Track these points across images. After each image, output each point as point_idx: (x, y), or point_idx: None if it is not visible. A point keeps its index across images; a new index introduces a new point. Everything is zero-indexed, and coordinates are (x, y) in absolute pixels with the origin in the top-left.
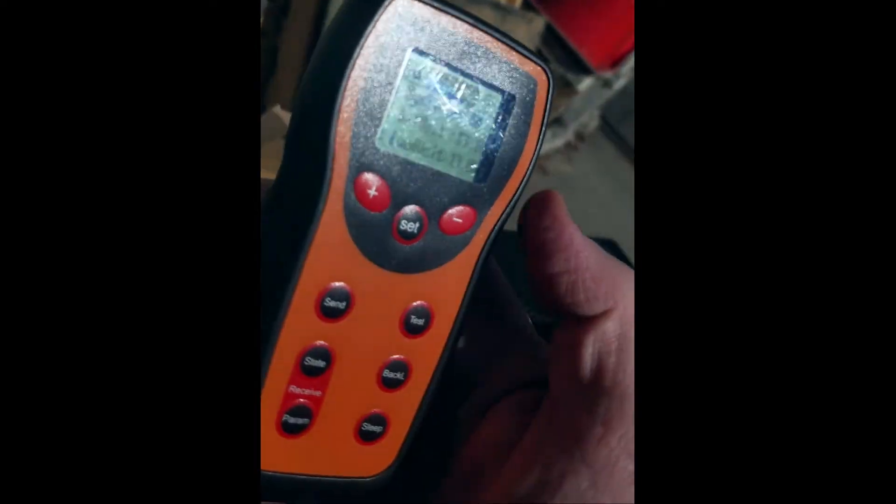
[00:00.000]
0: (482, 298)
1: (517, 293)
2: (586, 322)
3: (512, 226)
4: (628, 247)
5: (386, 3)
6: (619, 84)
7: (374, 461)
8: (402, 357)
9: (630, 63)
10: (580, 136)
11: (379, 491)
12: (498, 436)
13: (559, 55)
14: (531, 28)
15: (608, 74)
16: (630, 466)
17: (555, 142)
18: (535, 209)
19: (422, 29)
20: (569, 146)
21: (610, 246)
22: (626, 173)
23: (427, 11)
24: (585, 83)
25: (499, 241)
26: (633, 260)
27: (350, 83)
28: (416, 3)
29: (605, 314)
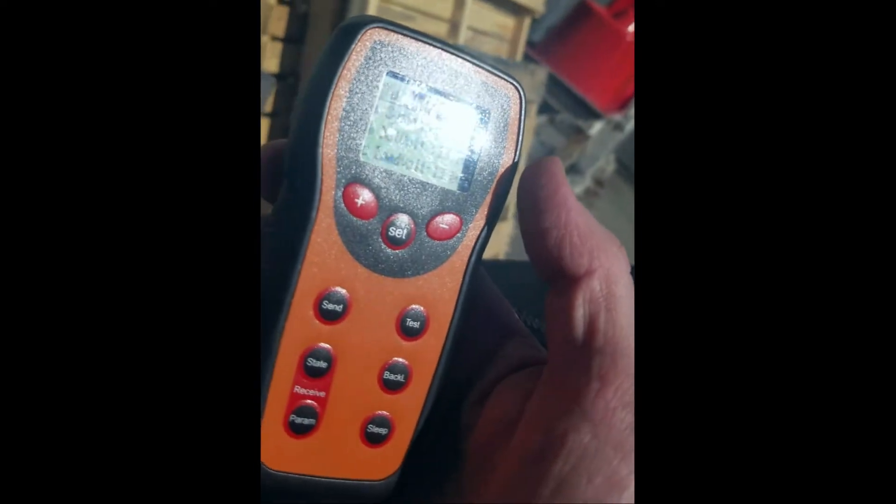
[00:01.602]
0: (475, 302)
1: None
2: (574, 284)
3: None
4: None
5: (360, 33)
6: (630, 126)
7: (382, 464)
8: (401, 359)
9: None
10: (598, 182)
11: (387, 494)
12: (502, 413)
13: (567, 103)
14: (534, 79)
15: (617, 117)
16: (628, 417)
17: (574, 189)
18: (535, 168)
19: (396, 55)
20: (588, 192)
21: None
22: None
23: (400, 39)
24: (596, 128)
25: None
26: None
27: (332, 104)
28: (389, 32)
29: (589, 274)
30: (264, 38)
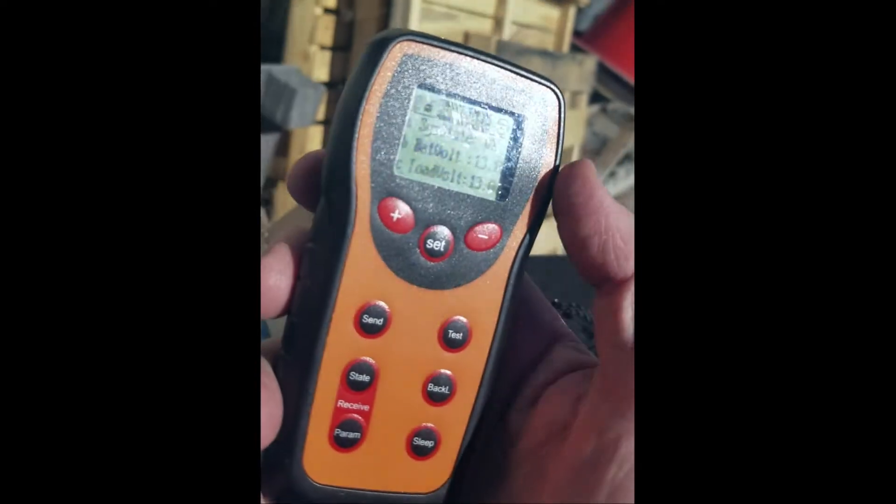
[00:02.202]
0: (520, 308)
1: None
2: (621, 285)
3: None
4: None
5: (389, 47)
6: None
7: (429, 477)
8: (445, 371)
9: None
10: None
11: None
12: (552, 418)
13: (618, 91)
14: (583, 69)
15: None
16: None
17: (629, 179)
18: (566, 175)
19: (426, 66)
20: None
21: None
22: None
23: (430, 51)
24: None
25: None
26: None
27: (364, 120)
28: (418, 44)
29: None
30: (313, 48)
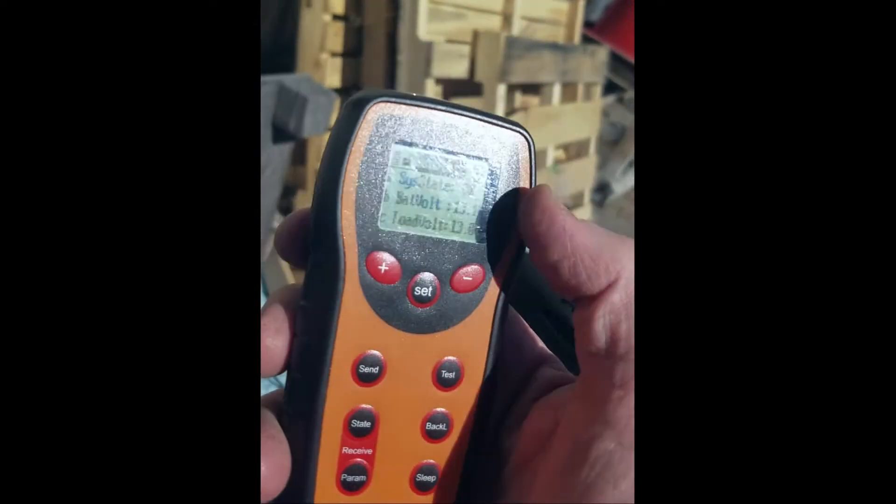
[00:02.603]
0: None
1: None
2: (595, 299)
3: None
4: None
5: (365, 109)
6: None
7: None
8: (441, 409)
9: None
10: None
11: None
12: (538, 431)
13: (631, 79)
14: (595, 60)
15: None
16: None
17: None
18: (526, 205)
19: (402, 124)
20: None
21: None
22: None
23: (405, 109)
24: None
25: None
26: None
27: (346, 180)
28: (392, 104)
29: (609, 287)
30: (323, 55)
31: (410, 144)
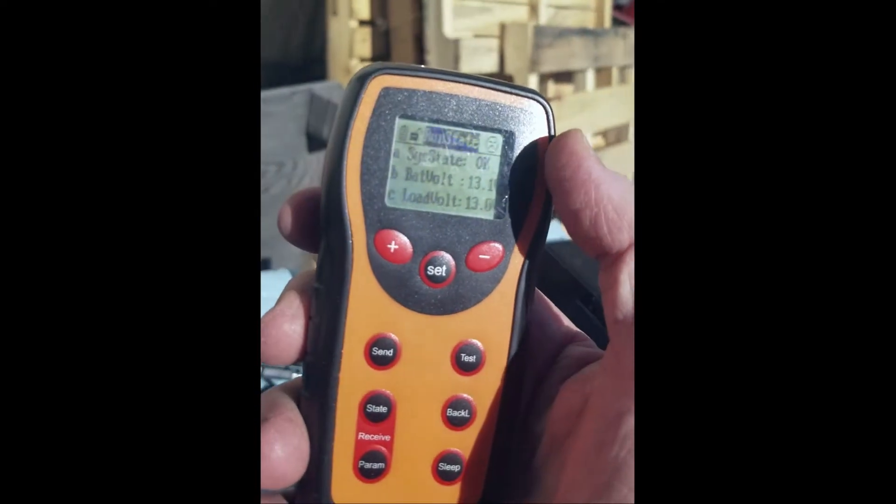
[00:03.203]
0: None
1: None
2: (618, 259)
3: None
4: None
5: (366, 83)
6: None
7: (460, 500)
8: (462, 395)
9: None
10: None
11: None
12: (568, 410)
13: None
14: (627, 43)
15: None
16: None
17: None
18: (554, 148)
19: (406, 96)
20: None
21: None
22: None
23: (408, 80)
24: None
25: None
26: None
27: (349, 158)
28: (395, 76)
29: (632, 246)
30: (353, 62)
31: (417, 118)
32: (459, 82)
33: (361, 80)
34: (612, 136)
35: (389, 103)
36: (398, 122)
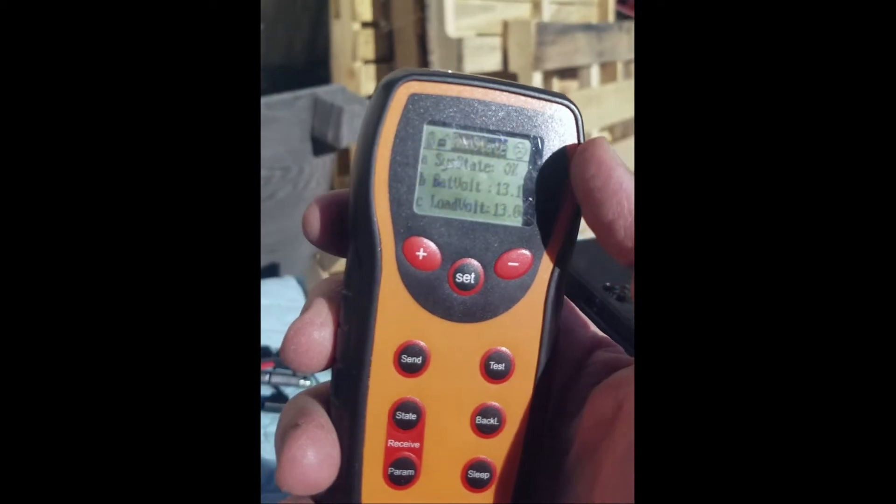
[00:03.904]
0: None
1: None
2: None
3: None
4: None
5: (394, 90)
6: None
7: None
8: (492, 403)
9: None
10: None
11: None
12: (600, 417)
13: None
14: (632, 36)
15: None
16: None
17: None
18: (580, 159)
19: (434, 102)
20: None
21: None
22: None
23: (435, 87)
24: None
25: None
26: None
27: (378, 164)
28: (423, 82)
29: None
30: (357, 64)
31: (444, 124)
32: (487, 88)
33: (389, 87)
34: (619, 132)
35: (417, 110)
36: (426, 128)
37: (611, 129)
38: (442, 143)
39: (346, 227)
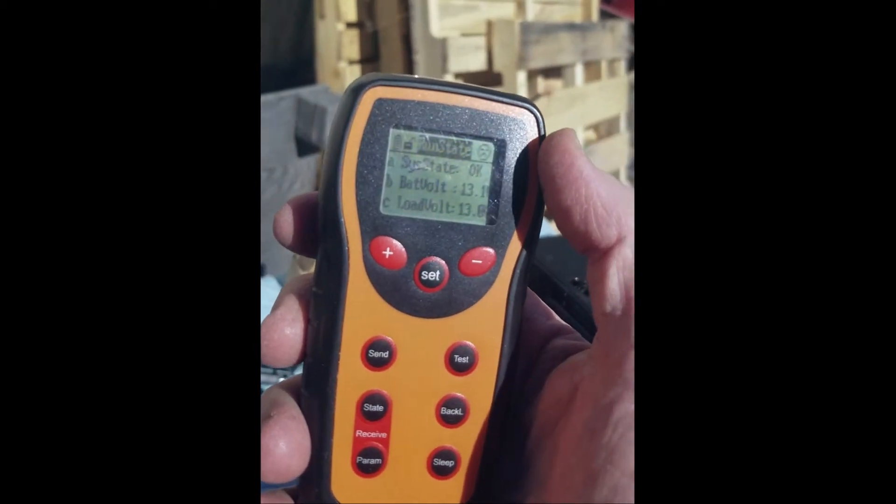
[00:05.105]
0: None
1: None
2: (606, 253)
3: None
4: None
5: (360, 95)
6: None
7: (454, 494)
8: (456, 394)
9: None
10: None
11: None
12: (557, 398)
13: None
14: (616, 35)
15: None
16: None
17: None
18: (547, 146)
19: (400, 107)
20: None
21: None
22: None
23: (402, 91)
24: None
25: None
26: None
27: (345, 167)
28: (390, 87)
29: (620, 241)
30: (342, 64)
31: (410, 127)
32: (452, 92)
33: (355, 93)
34: (603, 130)
35: (383, 114)
36: (392, 132)
37: (595, 127)
38: (408, 145)
39: (315, 228)
